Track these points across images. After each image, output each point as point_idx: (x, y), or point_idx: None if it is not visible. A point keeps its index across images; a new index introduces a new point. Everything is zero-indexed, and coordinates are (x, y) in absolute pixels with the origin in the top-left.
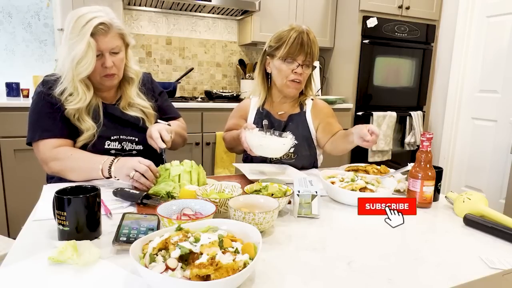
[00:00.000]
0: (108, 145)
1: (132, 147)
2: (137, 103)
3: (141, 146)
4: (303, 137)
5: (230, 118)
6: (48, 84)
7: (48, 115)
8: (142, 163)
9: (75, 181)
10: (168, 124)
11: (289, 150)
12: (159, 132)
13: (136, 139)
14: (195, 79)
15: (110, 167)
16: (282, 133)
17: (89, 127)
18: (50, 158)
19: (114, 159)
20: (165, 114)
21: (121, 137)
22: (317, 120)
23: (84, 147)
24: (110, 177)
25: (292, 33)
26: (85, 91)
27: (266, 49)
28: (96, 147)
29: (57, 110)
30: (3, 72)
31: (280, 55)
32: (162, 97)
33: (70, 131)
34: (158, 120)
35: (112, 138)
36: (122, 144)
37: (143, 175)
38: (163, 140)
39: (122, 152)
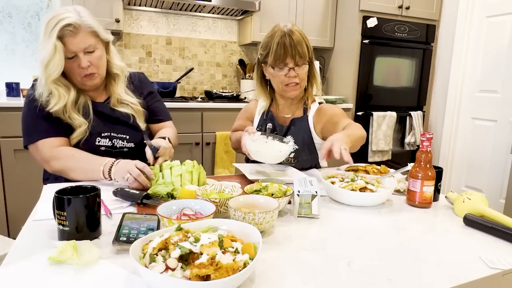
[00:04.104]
0: (99, 141)
1: (123, 144)
2: (125, 99)
3: (132, 143)
4: (304, 141)
5: (237, 119)
6: (35, 88)
7: (41, 117)
8: (137, 167)
9: (75, 181)
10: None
11: (289, 155)
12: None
13: (127, 137)
14: (195, 79)
15: (110, 169)
16: (283, 138)
17: (81, 123)
18: (51, 157)
19: (114, 161)
20: (153, 115)
21: (112, 134)
22: (319, 125)
23: (77, 145)
24: (111, 179)
25: (275, 39)
26: (62, 92)
27: (259, 58)
28: (87, 143)
29: (47, 111)
30: (3, 72)
31: (269, 63)
32: (152, 98)
33: (65, 129)
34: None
35: (103, 134)
36: (113, 142)
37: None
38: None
39: (112, 149)
